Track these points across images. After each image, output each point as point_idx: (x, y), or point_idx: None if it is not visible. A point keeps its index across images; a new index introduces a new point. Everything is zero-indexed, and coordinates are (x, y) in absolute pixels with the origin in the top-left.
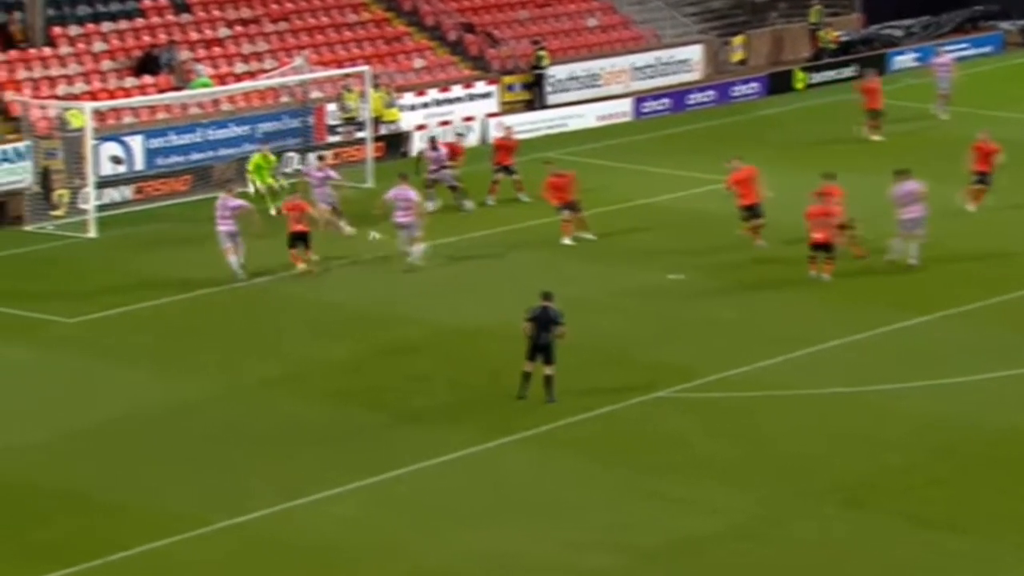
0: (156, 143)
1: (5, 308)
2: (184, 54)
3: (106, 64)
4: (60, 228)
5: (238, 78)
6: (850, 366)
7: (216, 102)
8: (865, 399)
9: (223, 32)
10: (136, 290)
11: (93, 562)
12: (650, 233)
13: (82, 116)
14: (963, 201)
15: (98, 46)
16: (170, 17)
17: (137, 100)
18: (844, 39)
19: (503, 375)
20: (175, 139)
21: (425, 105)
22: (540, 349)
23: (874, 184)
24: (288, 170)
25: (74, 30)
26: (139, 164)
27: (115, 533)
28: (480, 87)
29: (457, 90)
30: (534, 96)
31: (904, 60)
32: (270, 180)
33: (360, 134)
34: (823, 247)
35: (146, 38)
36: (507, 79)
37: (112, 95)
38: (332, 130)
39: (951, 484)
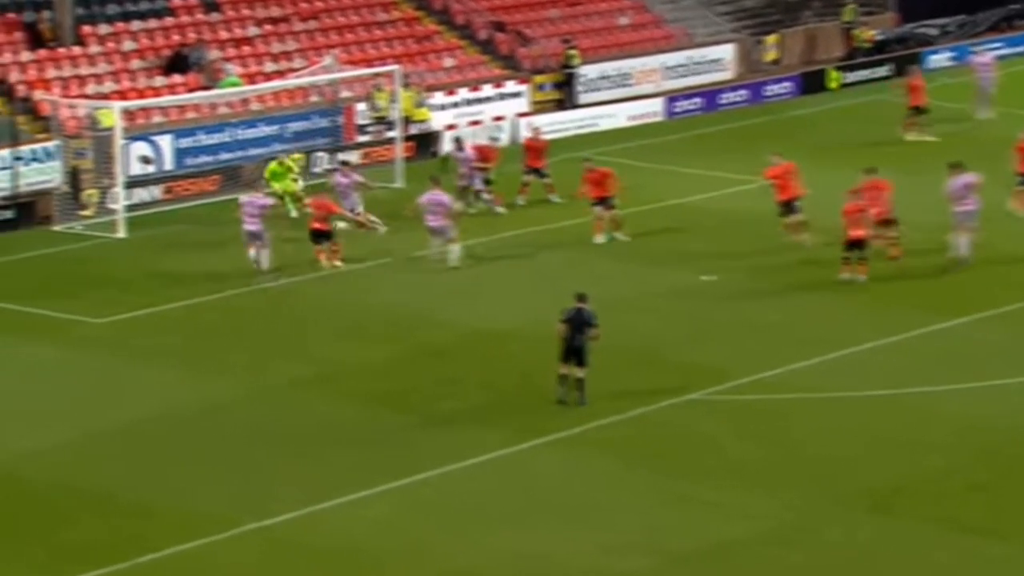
0: (185, 143)
1: (34, 308)
2: (213, 53)
3: (135, 63)
4: (89, 228)
5: (267, 77)
6: (886, 368)
7: (245, 101)
8: (903, 401)
9: (252, 31)
10: (165, 290)
11: (121, 564)
12: (682, 234)
13: (111, 116)
14: (1015, 209)
15: (127, 45)
16: (200, 16)
17: (166, 100)
18: (879, 38)
19: (534, 377)
20: (204, 139)
21: (455, 105)
22: (573, 351)
23: (912, 185)
24: (318, 170)
25: (103, 29)
26: (168, 164)
27: (143, 534)
28: (510, 86)
29: (487, 89)
30: (565, 96)
31: (939, 59)
32: (291, 185)
33: (390, 134)
34: (859, 245)
35: (175, 37)
36: (538, 78)
37: (141, 94)
38: (362, 130)
39: (991, 489)
